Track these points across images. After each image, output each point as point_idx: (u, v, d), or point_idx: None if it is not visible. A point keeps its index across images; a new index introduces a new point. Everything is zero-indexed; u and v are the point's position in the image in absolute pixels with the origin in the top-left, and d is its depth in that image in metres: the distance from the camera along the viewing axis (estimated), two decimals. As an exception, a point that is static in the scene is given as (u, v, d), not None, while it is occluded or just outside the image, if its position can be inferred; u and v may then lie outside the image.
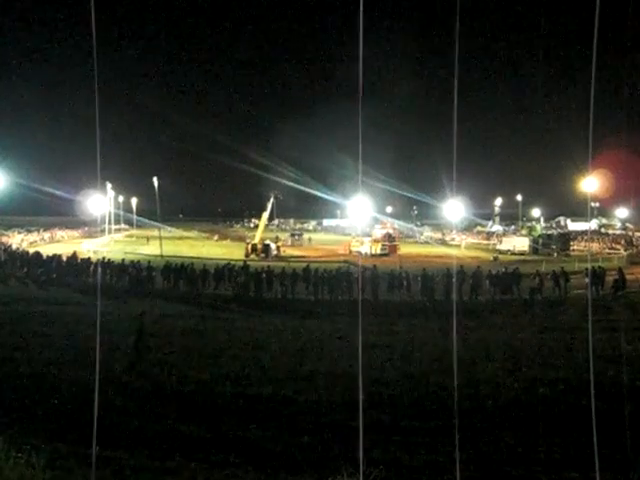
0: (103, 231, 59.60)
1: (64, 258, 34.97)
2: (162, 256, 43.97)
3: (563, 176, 72.12)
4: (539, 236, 59.98)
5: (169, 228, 69.46)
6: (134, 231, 76.95)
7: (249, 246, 50.49)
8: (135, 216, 76.85)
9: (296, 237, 69.04)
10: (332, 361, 14.67)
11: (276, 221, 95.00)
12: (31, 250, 40.97)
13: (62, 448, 8.46)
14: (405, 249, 56.19)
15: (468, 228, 77.29)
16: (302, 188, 59.56)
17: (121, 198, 77.14)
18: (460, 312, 23.08)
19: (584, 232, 64.72)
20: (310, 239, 69.21)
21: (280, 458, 8.74)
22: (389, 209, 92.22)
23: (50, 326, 19.30)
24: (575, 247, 55.97)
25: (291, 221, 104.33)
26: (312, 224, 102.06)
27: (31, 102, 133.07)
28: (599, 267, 29.48)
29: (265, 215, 55.58)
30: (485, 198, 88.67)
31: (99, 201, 53.14)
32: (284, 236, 68.51)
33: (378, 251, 51.20)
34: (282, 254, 50.66)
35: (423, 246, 62.45)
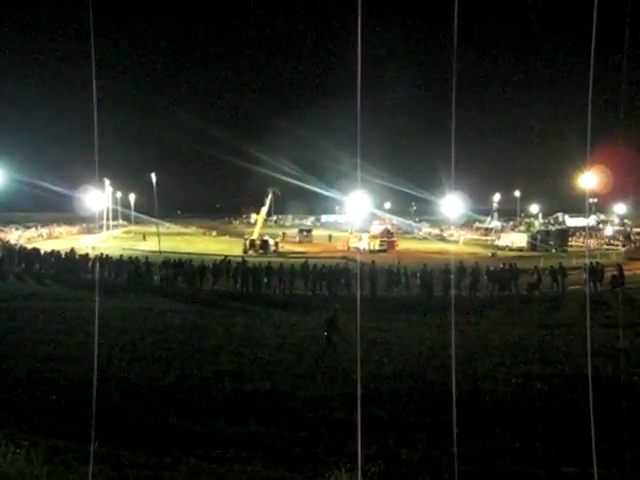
0: (101, 227, 59.60)
1: (62, 254, 35.00)
2: (160, 252, 44.00)
3: (561, 172, 72.04)
4: (537, 232, 60.01)
5: (167, 224, 69.47)
6: (132, 227, 76.91)
7: (247, 242, 50.53)
8: (133, 212, 76.91)
9: (304, 233, 65.37)
10: (330, 357, 14.69)
11: (274, 217, 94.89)
12: (29, 246, 40.98)
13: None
14: (403, 245, 56.20)
15: (466, 224, 77.28)
16: (300, 184, 59.46)
17: (119, 194, 77.16)
18: (458, 308, 23.11)
19: (582, 228, 64.80)
20: (331, 236, 63.59)
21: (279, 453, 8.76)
22: (387, 205, 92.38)
23: (50, 322, 19.28)
24: (573, 243, 56.06)
25: (289, 217, 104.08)
26: (310, 220, 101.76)
27: (29, 98, 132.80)
28: (597, 263, 29.53)
29: (263, 211, 55.60)
30: (483, 194, 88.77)
31: (97, 197, 53.17)
32: (292, 232, 67.94)
33: (376, 247, 51.17)
34: (280, 250, 50.70)
35: (421, 242, 62.42)
